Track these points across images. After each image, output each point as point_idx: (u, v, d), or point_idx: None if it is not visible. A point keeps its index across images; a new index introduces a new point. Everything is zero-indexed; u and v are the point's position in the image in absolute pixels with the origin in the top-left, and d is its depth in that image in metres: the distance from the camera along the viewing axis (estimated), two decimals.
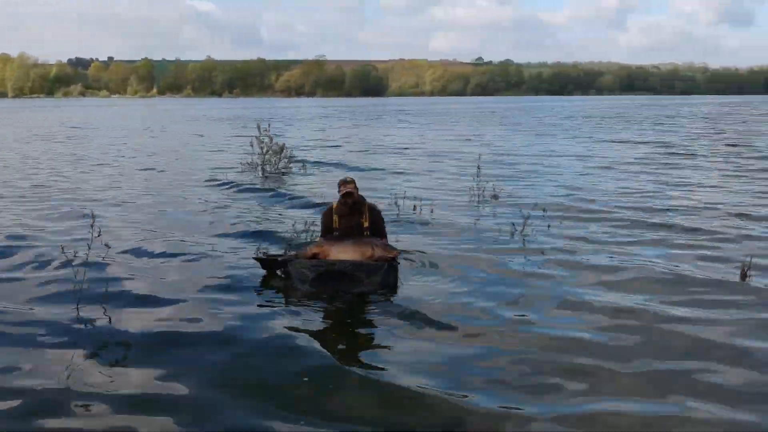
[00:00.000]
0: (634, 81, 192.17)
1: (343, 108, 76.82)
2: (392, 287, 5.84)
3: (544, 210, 9.44)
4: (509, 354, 4.44)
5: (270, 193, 12.50)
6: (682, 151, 20.94)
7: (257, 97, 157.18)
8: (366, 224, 6.37)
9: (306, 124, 42.72)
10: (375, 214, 6.48)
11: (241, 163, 16.47)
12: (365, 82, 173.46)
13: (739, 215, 9.91)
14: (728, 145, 23.45)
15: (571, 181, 14.25)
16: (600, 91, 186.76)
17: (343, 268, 5.86)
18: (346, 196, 6.37)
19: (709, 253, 7.47)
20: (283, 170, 15.94)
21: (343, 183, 6.45)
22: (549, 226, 8.57)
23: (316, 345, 4.66)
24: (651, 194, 12.16)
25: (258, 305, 5.70)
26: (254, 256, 6.64)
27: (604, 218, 9.54)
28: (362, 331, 5.10)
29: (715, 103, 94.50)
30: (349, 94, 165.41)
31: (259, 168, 15.77)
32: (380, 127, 38.50)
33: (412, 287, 5.97)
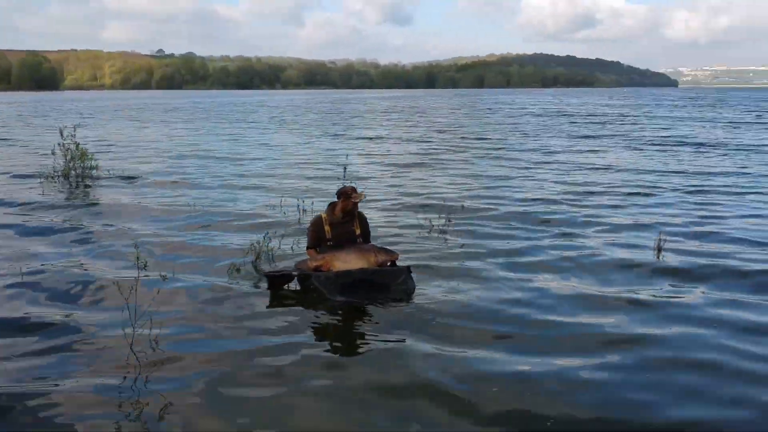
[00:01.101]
0: (315, 76, 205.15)
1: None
2: (412, 291, 5.99)
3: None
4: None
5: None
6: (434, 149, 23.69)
7: None
8: (358, 231, 6.36)
9: None
10: (363, 220, 6.43)
11: None
12: (36, 73, 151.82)
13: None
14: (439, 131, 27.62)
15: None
16: (285, 85, 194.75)
17: (368, 276, 5.85)
18: (354, 206, 6.31)
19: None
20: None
21: (353, 191, 6.35)
22: None
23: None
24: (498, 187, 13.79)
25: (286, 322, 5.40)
26: (267, 272, 6.13)
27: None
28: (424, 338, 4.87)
29: (391, 96, 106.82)
30: (19, 88, 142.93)
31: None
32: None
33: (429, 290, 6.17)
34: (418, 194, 11.29)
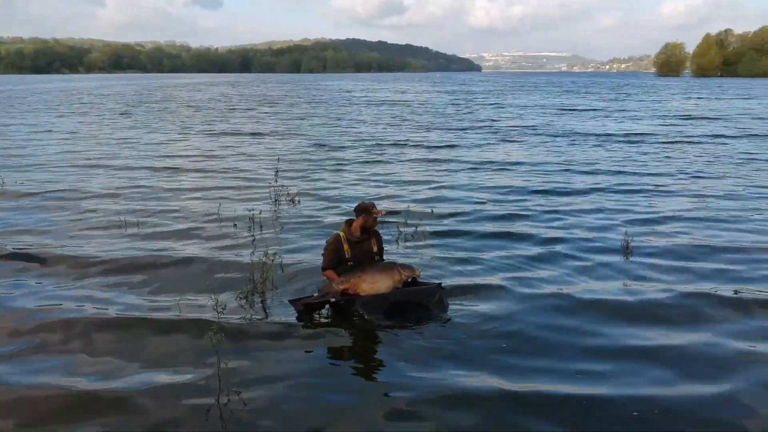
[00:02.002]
0: (122, 59, 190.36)
1: None
2: (447, 307, 5.66)
3: None
4: None
5: None
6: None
7: None
8: (375, 248, 5.92)
9: None
10: (379, 237, 5.99)
11: None
12: None
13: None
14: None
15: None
16: (90, 69, 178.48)
17: (406, 296, 5.50)
18: (374, 222, 5.78)
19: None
20: None
21: (373, 207, 5.77)
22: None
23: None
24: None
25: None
26: (302, 301, 5.34)
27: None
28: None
29: (222, 81, 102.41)
30: None
31: None
32: None
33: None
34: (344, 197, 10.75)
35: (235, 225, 8.33)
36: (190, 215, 9.03)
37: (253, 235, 7.80)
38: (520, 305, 5.52)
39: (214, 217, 8.76)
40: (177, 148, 17.51)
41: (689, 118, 27.76)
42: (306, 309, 5.34)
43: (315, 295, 5.46)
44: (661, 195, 10.73)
